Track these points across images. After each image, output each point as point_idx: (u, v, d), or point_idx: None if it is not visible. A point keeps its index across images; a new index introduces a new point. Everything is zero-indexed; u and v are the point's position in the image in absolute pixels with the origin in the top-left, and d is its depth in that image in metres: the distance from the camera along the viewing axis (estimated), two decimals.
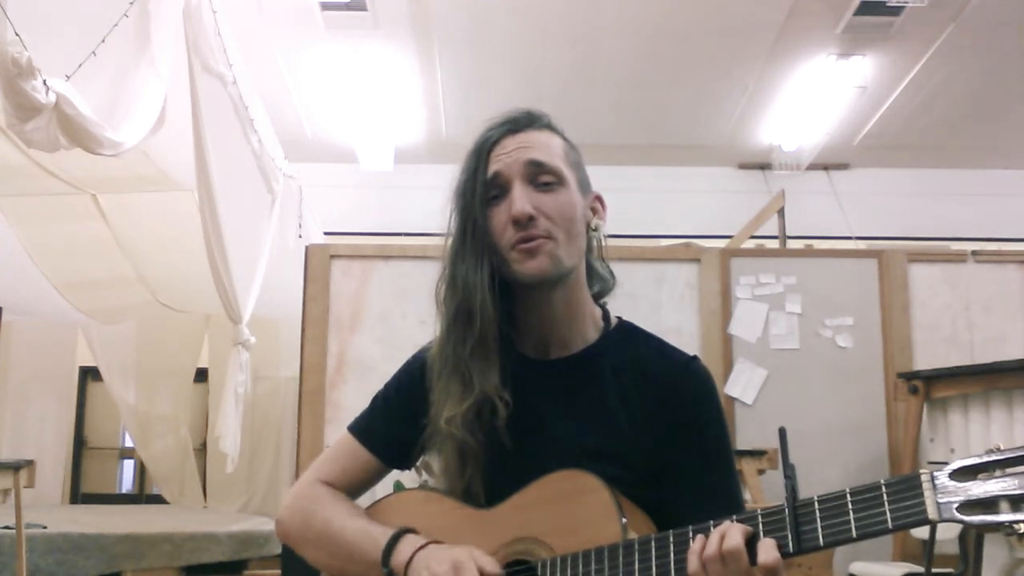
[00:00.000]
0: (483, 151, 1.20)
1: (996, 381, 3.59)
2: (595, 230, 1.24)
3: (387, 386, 1.33)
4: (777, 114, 7.10)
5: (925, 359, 4.37)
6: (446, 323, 1.20)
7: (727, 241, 5.97)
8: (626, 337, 1.26)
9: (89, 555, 4.71)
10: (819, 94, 6.65)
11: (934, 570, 3.37)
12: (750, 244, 5.96)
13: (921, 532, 3.51)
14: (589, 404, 1.20)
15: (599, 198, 1.28)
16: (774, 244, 5.82)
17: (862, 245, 6.82)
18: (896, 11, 5.64)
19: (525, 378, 1.21)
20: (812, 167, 7.70)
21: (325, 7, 5.64)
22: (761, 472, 3.84)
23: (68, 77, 2.45)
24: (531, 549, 1.12)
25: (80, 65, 2.51)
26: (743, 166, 8.04)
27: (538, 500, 1.13)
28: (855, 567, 3.83)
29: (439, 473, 1.23)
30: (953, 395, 3.80)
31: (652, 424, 1.17)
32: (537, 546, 1.12)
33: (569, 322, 1.23)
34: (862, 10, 5.64)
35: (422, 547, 1.13)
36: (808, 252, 5.22)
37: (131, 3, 2.75)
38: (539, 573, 1.10)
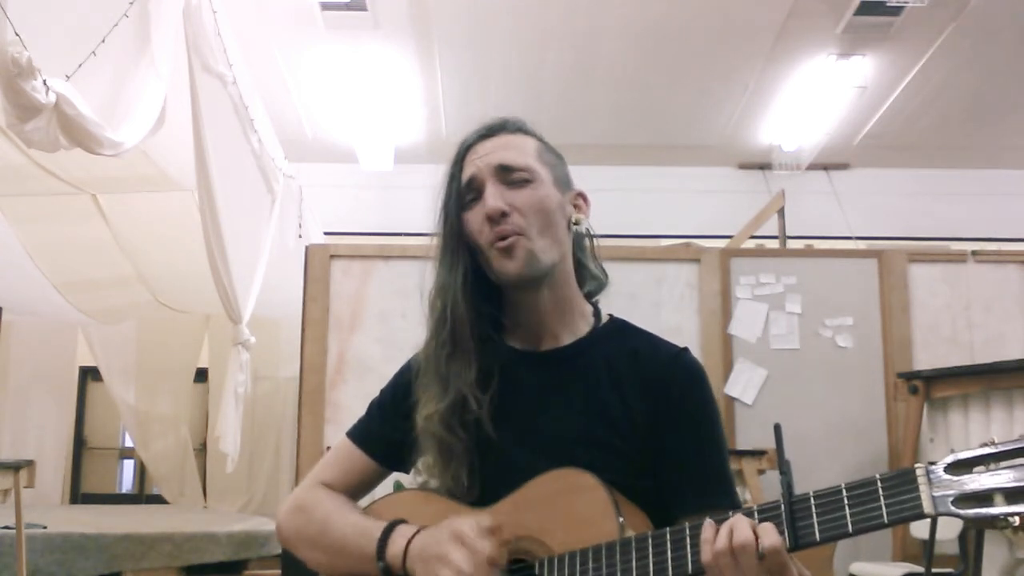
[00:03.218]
0: (458, 157, 1.26)
1: (996, 381, 3.59)
2: (576, 224, 1.26)
3: (382, 391, 1.36)
4: (777, 114, 7.10)
5: (925, 359, 4.37)
6: (429, 325, 1.25)
7: (727, 241, 5.97)
8: (617, 331, 1.28)
9: (89, 555, 4.71)
10: (819, 94, 6.65)
11: (934, 570, 3.37)
12: (750, 244, 5.96)
13: (921, 532, 3.52)
14: (581, 393, 1.21)
15: (581, 195, 1.29)
16: (774, 244, 5.82)
17: (862, 245, 6.82)
18: (896, 11, 5.64)
19: (516, 370, 1.24)
20: (812, 167, 7.70)
21: (325, 7, 5.64)
22: (761, 472, 3.84)
23: (68, 77, 2.45)
24: (529, 548, 1.12)
25: (80, 65, 2.51)
26: (743, 166, 8.04)
27: (535, 499, 1.13)
28: (855, 567, 3.83)
29: (426, 471, 1.24)
30: (953, 395, 3.80)
31: (645, 413, 1.18)
32: (535, 545, 1.12)
33: (559, 318, 1.26)
34: (862, 10, 5.64)
35: (415, 534, 1.14)
36: (808, 252, 5.22)
37: (131, 3, 2.75)
38: (537, 571, 1.10)
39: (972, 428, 3.70)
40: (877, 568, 3.75)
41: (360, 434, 1.33)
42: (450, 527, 1.10)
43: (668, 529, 1.03)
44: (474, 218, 1.21)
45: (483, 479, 1.20)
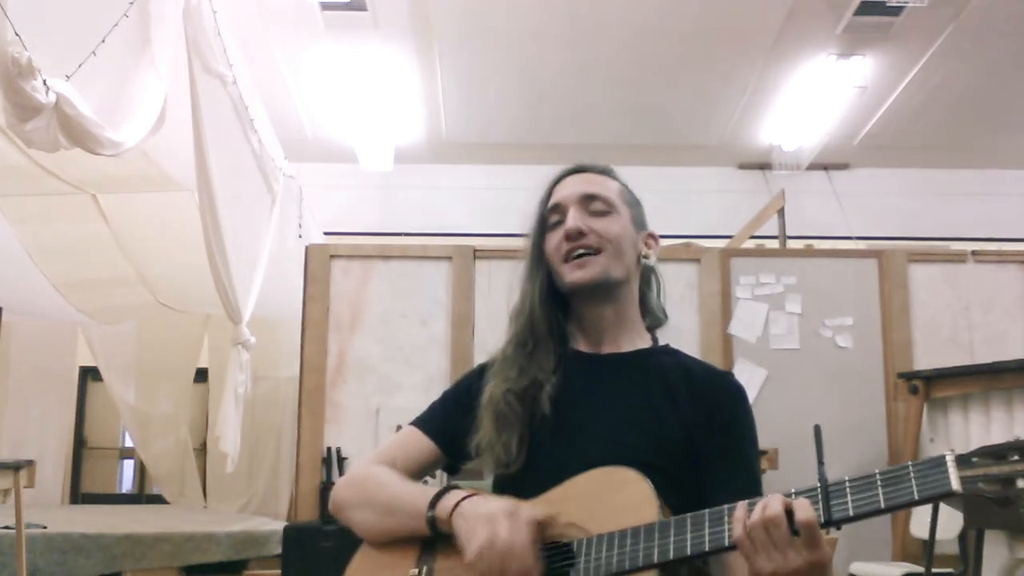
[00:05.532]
0: (549, 187, 1.44)
1: (996, 381, 3.59)
2: (646, 258, 1.42)
3: (445, 392, 1.48)
4: (777, 114, 7.10)
5: (925, 359, 4.37)
6: (511, 328, 1.41)
7: (727, 241, 5.97)
8: (670, 353, 1.42)
9: (89, 555, 4.71)
10: (819, 94, 6.65)
11: (934, 570, 3.38)
12: (750, 244, 5.96)
13: (921, 531, 3.52)
14: (635, 391, 1.33)
15: (653, 235, 1.46)
16: (774, 244, 5.82)
17: (862, 245, 6.81)
18: (896, 11, 5.64)
19: (577, 368, 1.36)
20: (812, 167, 7.69)
21: (325, 7, 5.64)
22: (761, 472, 3.83)
23: (68, 77, 2.45)
24: (568, 532, 1.17)
25: (80, 65, 2.52)
26: (743, 166, 8.04)
27: (581, 492, 1.19)
28: (855, 567, 3.84)
29: (483, 448, 1.31)
30: (953, 395, 3.80)
31: (692, 417, 1.30)
32: (574, 530, 1.16)
33: (620, 331, 1.40)
34: (862, 10, 5.65)
35: (467, 497, 1.23)
36: (808, 252, 5.22)
37: (131, 3, 2.75)
38: (575, 549, 1.14)
39: (972, 428, 3.70)
40: (877, 568, 3.75)
41: (423, 420, 1.43)
42: (508, 502, 1.18)
43: (707, 510, 1.09)
44: (553, 238, 1.39)
45: (530, 451, 1.29)
